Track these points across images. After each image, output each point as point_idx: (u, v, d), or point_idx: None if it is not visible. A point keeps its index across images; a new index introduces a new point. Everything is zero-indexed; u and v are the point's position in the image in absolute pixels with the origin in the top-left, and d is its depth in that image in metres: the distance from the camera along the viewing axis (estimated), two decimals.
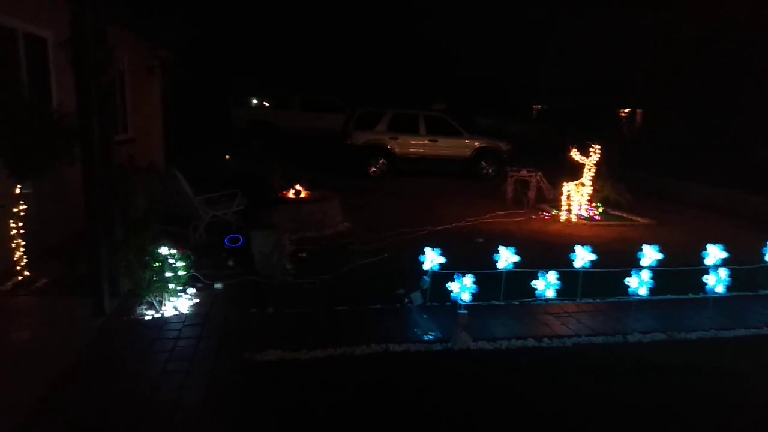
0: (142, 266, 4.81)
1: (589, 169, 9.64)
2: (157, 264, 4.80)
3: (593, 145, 9.64)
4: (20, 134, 4.85)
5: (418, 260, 5.32)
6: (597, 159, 9.63)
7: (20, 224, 5.25)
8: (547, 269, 5.47)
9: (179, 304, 4.97)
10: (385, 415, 3.57)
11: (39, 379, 3.69)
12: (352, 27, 26.62)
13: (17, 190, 5.18)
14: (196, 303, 5.09)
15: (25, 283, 5.29)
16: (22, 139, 4.86)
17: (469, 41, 27.31)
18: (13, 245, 5.26)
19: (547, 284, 5.41)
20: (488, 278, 5.31)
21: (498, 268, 5.42)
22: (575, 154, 9.67)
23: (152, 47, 11.56)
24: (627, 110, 28.16)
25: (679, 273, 5.88)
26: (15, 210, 5.21)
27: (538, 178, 11.24)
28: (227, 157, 14.72)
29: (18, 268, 5.31)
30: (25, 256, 5.34)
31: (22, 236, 5.28)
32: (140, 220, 6.60)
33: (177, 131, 13.77)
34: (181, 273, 4.93)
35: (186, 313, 4.86)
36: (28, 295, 5.13)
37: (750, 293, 6.00)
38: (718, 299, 5.65)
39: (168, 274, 4.83)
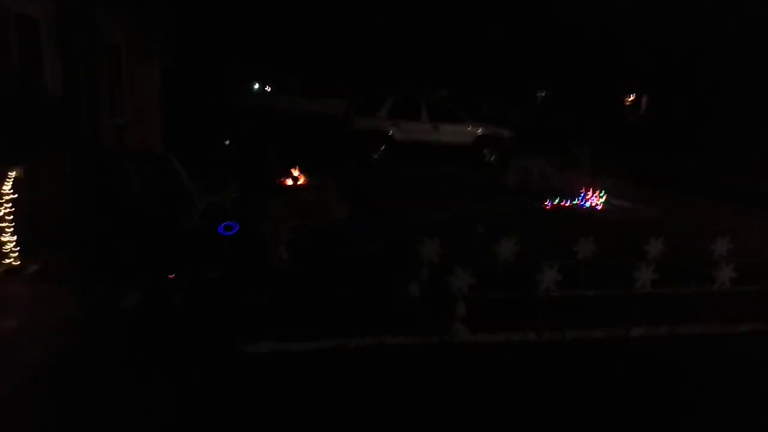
0: (136, 253, 4.71)
1: (591, 157, 9.49)
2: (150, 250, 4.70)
3: (595, 133, 9.49)
4: (8, 116, 4.73)
5: (417, 250, 5.21)
6: (599, 146, 9.48)
7: (10, 209, 5.13)
8: (548, 260, 5.34)
9: (171, 292, 4.85)
10: (380, 409, 3.47)
11: (22, 368, 3.61)
12: (356, 11, 26.30)
13: (7, 175, 5.05)
14: (189, 292, 4.98)
15: (15, 270, 5.18)
16: (10, 122, 4.74)
17: (475, 26, 26.97)
18: (3, 231, 5.14)
19: (548, 275, 5.28)
20: (488, 269, 5.20)
21: (498, 259, 5.31)
22: (573, 145, 9.53)
23: (150, 30, 11.36)
24: (632, 97, 27.84)
25: (685, 265, 5.76)
26: (5, 195, 5.09)
27: (541, 165, 11.07)
28: (227, 142, 14.58)
29: (8, 254, 5.20)
30: (15, 243, 5.23)
31: (12, 222, 5.17)
32: (134, 206, 6.50)
33: (176, 115, 13.60)
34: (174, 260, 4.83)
35: (178, 303, 4.75)
36: (18, 282, 5.03)
37: (757, 287, 5.86)
38: (724, 292, 5.51)
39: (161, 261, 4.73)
